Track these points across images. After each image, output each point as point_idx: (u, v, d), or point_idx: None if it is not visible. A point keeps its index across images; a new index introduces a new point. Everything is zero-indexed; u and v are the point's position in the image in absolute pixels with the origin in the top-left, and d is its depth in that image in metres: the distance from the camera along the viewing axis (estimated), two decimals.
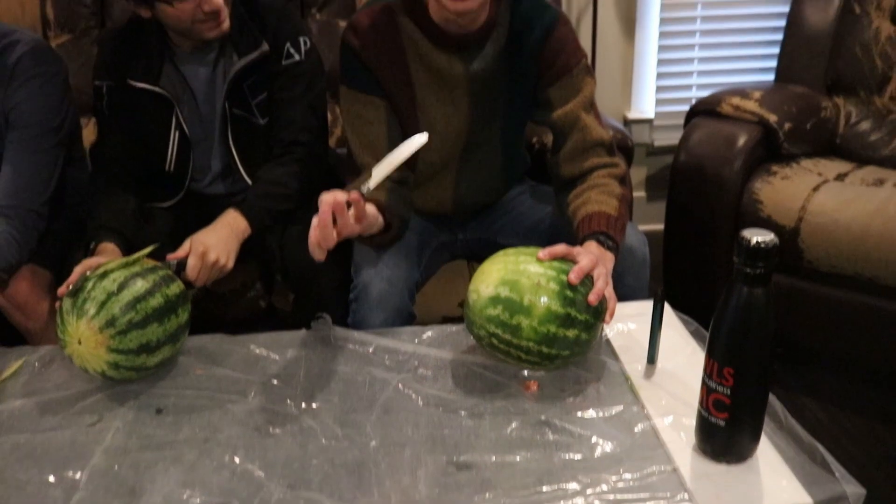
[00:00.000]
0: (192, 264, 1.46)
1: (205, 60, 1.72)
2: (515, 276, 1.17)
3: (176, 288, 1.29)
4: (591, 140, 1.54)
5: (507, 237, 1.74)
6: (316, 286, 1.57)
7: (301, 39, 1.73)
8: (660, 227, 2.35)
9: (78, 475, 1.07)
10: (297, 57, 1.72)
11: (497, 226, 1.77)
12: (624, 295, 1.45)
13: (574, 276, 1.18)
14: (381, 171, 1.26)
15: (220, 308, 1.82)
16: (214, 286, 1.56)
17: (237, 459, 1.09)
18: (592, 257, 1.22)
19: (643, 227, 1.62)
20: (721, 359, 0.98)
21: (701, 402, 1.04)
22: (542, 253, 1.21)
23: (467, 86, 1.57)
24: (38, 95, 1.62)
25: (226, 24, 1.65)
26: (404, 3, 1.53)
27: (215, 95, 1.75)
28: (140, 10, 1.62)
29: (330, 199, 1.16)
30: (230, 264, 1.53)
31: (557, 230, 1.61)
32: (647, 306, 1.31)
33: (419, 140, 1.30)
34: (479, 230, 1.80)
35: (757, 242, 0.92)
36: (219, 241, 1.52)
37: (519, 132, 1.72)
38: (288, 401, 1.21)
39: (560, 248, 1.22)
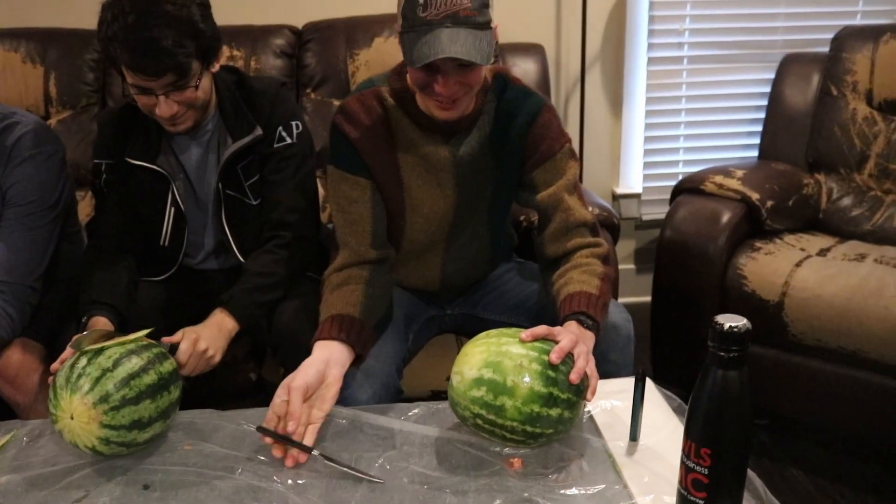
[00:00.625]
0: (183, 349, 1.48)
1: (199, 142, 1.76)
2: (498, 357, 1.20)
3: (169, 365, 1.31)
4: (574, 221, 1.57)
5: (493, 313, 1.77)
6: (304, 358, 1.57)
7: (293, 124, 1.77)
8: (649, 298, 2.37)
9: None
10: (288, 140, 1.76)
11: (484, 302, 1.80)
12: (609, 372, 1.48)
13: (555, 357, 1.20)
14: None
15: (210, 380, 1.80)
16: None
17: None
18: (573, 337, 1.25)
19: (632, 300, 1.65)
20: (698, 440, 1.00)
21: (680, 482, 1.05)
22: (525, 334, 1.23)
23: (453, 170, 1.61)
24: (36, 174, 1.66)
25: (186, 125, 1.67)
26: (393, 90, 1.58)
27: (208, 175, 1.78)
28: (125, 86, 1.65)
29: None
30: (217, 357, 1.56)
31: (544, 308, 1.64)
32: (630, 383, 1.32)
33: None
34: (467, 306, 1.82)
35: (730, 327, 0.95)
36: (210, 335, 1.55)
37: (505, 213, 1.76)
38: (274, 477, 1.22)
39: (541, 329, 1.25)
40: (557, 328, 1.27)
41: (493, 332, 1.26)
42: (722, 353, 0.96)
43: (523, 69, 2.48)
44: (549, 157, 1.59)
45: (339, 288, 1.52)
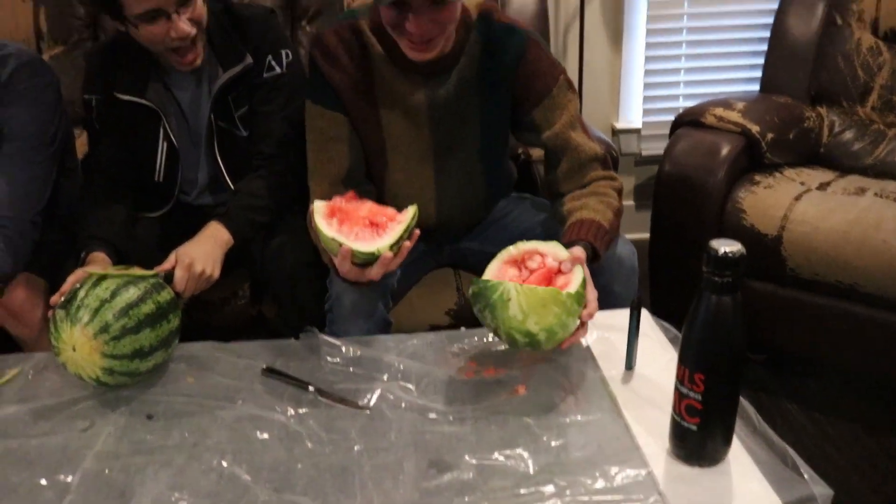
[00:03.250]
0: (178, 276, 1.48)
1: (190, 74, 1.75)
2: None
3: (167, 295, 1.33)
4: (586, 157, 1.57)
5: (496, 245, 1.73)
6: (296, 295, 1.60)
7: (283, 52, 1.75)
8: (647, 235, 2.38)
9: (69, 479, 1.11)
10: (278, 70, 1.74)
11: (484, 235, 1.80)
12: (612, 303, 1.50)
13: (568, 265, 1.29)
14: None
15: (210, 315, 1.85)
16: (203, 294, 1.60)
17: (225, 463, 1.13)
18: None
19: (631, 236, 1.65)
20: (691, 365, 1.02)
21: (674, 408, 1.08)
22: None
23: (428, 113, 1.60)
24: (32, 108, 1.65)
25: (198, 60, 1.68)
26: (373, 22, 1.56)
27: (201, 108, 1.78)
28: (118, 26, 1.64)
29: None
30: (216, 274, 1.56)
31: (550, 237, 1.63)
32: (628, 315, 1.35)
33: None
34: (466, 240, 1.83)
35: (724, 252, 0.97)
36: (203, 253, 1.55)
37: (499, 152, 1.75)
38: (275, 407, 1.25)
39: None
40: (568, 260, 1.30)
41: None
42: (716, 278, 0.97)
43: (520, 3, 2.44)
44: (545, 95, 1.57)
45: None
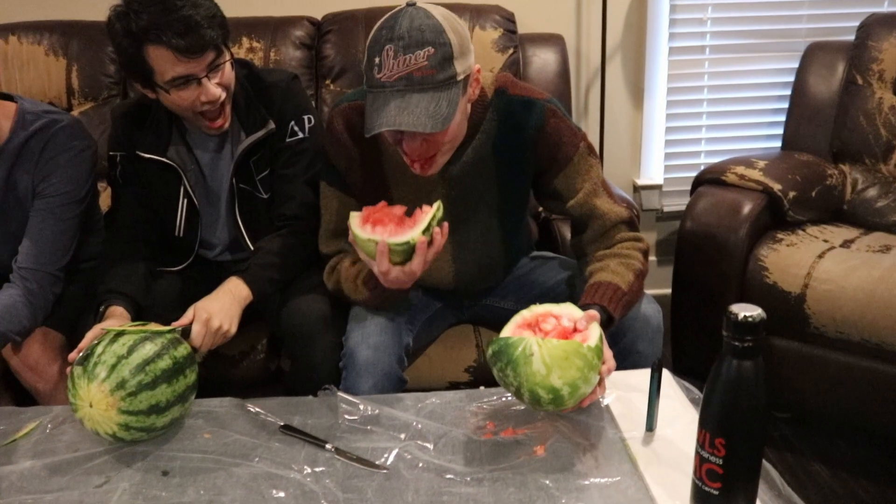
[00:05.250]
0: (196, 331, 1.49)
1: (213, 137, 1.78)
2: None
3: (184, 350, 1.34)
4: (612, 222, 1.57)
5: (518, 303, 1.75)
6: (310, 352, 1.60)
7: (305, 118, 1.78)
8: (668, 290, 2.37)
9: None
10: (300, 135, 1.77)
11: (506, 293, 1.80)
12: (636, 362, 1.50)
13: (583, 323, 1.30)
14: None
15: (227, 370, 1.85)
16: (221, 349, 1.60)
17: None
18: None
19: (652, 291, 1.65)
20: (712, 430, 1.00)
21: (695, 471, 1.05)
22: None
23: (443, 190, 1.60)
24: (69, 169, 1.70)
25: (226, 123, 1.71)
26: None
27: (221, 170, 1.80)
28: (146, 93, 1.68)
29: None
30: (233, 330, 1.56)
31: (575, 296, 1.60)
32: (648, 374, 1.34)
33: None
34: (487, 298, 1.82)
35: (744, 317, 0.96)
36: (221, 308, 1.55)
37: (518, 216, 1.74)
38: (292, 465, 1.24)
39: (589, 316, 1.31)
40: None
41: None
42: (736, 343, 0.96)
43: (543, 60, 2.47)
44: (567, 164, 1.57)
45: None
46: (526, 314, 1.32)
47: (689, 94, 2.85)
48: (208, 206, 1.84)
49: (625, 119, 2.89)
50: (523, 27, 2.53)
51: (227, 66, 1.66)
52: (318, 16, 2.51)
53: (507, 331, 1.30)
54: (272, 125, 1.74)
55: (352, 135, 1.57)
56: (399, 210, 1.45)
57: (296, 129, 1.77)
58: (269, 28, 2.41)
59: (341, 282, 1.60)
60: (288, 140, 1.76)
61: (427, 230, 1.39)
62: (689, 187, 2.40)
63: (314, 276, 1.71)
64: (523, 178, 1.62)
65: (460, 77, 1.37)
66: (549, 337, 1.27)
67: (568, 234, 1.97)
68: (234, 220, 1.81)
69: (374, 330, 1.54)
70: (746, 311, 0.97)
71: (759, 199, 2.20)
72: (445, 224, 1.41)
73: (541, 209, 2.10)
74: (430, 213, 1.40)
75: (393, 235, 1.40)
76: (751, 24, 2.80)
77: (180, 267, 1.86)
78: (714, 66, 2.82)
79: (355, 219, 1.43)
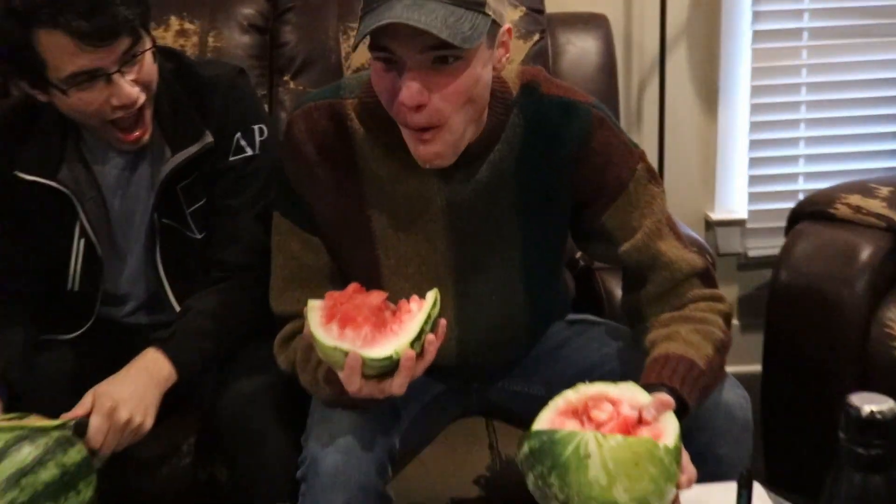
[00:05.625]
0: (96, 426, 1.46)
1: (121, 151, 1.77)
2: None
3: (76, 455, 1.33)
4: (682, 274, 1.57)
5: (547, 387, 1.72)
6: (256, 454, 1.59)
7: (256, 128, 1.78)
8: (756, 368, 2.35)
9: None
10: (248, 151, 1.77)
11: (531, 373, 1.78)
12: (716, 473, 1.47)
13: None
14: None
15: (140, 480, 1.82)
16: (131, 451, 1.58)
17: None
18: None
19: (733, 369, 1.63)
20: None
21: None
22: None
23: (446, 220, 1.59)
24: None
25: (146, 135, 1.71)
26: (363, 103, 1.55)
27: (135, 199, 1.80)
28: (36, 94, 1.67)
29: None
30: (148, 423, 1.55)
31: (620, 378, 1.57)
32: (733, 489, 1.31)
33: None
34: (504, 380, 1.81)
35: (871, 412, 0.93)
36: (132, 394, 1.53)
37: (550, 266, 1.73)
38: None
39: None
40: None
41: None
42: (860, 450, 0.94)
43: (580, 49, 2.48)
44: (619, 192, 1.57)
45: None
46: (571, 396, 1.31)
47: (781, 96, 2.86)
48: (115, 248, 1.83)
49: (693, 130, 2.89)
50: (553, 4, 2.54)
51: (148, 57, 1.66)
52: None
53: (546, 420, 1.28)
54: (210, 138, 1.74)
55: (318, 145, 1.57)
56: (377, 298, 1.41)
57: (243, 143, 1.77)
58: (208, 3, 2.42)
59: (296, 364, 1.58)
60: (232, 159, 1.77)
61: (418, 339, 1.35)
62: (783, 223, 2.40)
63: (263, 347, 1.69)
64: (558, 210, 1.62)
65: (489, 11, 1.39)
66: (606, 430, 1.25)
67: (617, 290, 1.95)
68: (153, 269, 1.80)
69: (344, 426, 1.53)
70: (873, 403, 0.94)
71: (882, 239, 2.20)
72: (442, 323, 1.39)
73: (579, 254, 2.07)
74: (422, 313, 1.37)
75: (369, 344, 1.36)
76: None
77: (75, 334, 1.83)
78: (816, 55, 2.83)
79: (315, 312, 1.38)
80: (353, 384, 1.37)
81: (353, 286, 1.43)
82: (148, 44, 1.66)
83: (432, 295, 1.39)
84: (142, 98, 1.65)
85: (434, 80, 1.39)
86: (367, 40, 1.38)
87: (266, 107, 2.37)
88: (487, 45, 1.42)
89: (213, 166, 1.76)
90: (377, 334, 1.37)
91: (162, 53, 1.78)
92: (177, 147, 1.74)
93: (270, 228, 1.69)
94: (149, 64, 1.66)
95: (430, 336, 1.37)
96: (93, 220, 1.77)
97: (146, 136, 1.72)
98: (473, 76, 1.41)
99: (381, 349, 1.34)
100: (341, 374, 1.37)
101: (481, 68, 1.43)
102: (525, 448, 1.24)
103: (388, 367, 1.36)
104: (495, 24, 1.41)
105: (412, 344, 1.34)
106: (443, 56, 1.36)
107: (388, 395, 1.39)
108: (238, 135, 1.76)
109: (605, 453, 1.18)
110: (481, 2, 1.37)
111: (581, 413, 1.29)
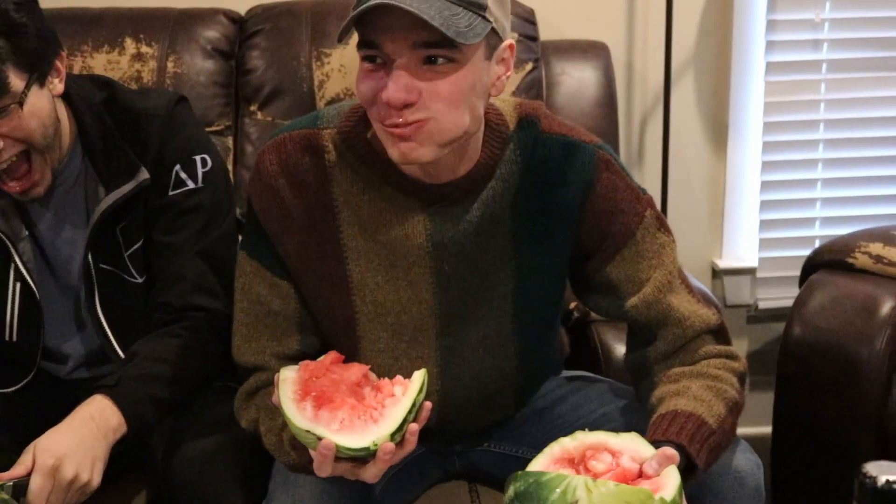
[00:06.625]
0: (37, 487, 1.45)
1: (53, 194, 1.77)
2: None
3: None
4: (694, 331, 1.58)
5: (537, 451, 1.72)
6: None
7: (197, 159, 1.79)
8: (766, 430, 2.36)
9: None
10: (190, 184, 1.78)
11: (520, 435, 1.78)
12: None
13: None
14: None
15: None
16: None
17: None
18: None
19: (740, 430, 1.64)
20: None
21: None
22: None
23: (431, 263, 1.59)
24: None
25: (38, 188, 1.71)
26: (341, 131, 1.56)
27: (72, 242, 1.80)
28: None
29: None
30: (95, 481, 1.53)
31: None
32: None
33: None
34: (491, 441, 1.81)
35: (888, 482, 0.93)
36: (77, 447, 1.52)
37: (545, 319, 1.74)
38: None
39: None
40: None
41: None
42: None
43: (577, 81, 2.50)
44: (626, 242, 1.58)
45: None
46: (568, 443, 1.33)
47: (797, 133, 2.88)
48: (55, 293, 1.83)
49: (700, 169, 2.91)
50: (548, 31, 2.57)
51: (21, 110, 1.63)
52: (241, 10, 2.53)
53: (539, 466, 1.30)
54: (145, 175, 1.75)
55: (291, 179, 1.57)
56: (357, 373, 1.42)
57: (183, 176, 1.78)
58: (168, 25, 2.44)
59: (259, 424, 1.58)
60: (172, 193, 1.77)
61: (399, 430, 1.36)
62: (797, 273, 2.41)
63: (221, 401, 1.71)
64: (557, 258, 1.63)
65: (490, 17, 1.40)
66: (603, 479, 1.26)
67: (615, 345, 1.96)
68: (94, 319, 1.80)
69: (309, 493, 1.53)
70: (891, 473, 0.95)
71: None
72: (427, 406, 1.40)
73: (573, 305, 2.08)
74: (406, 399, 1.37)
75: (346, 429, 1.36)
76: (890, 29, 2.81)
77: (13, 388, 1.84)
78: (836, 90, 2.85)
79: (288, 385, 1.38)
80: (324, 471, 1.38)
81: (331, 356, 1.44)
82: (17, 95, 1.62)
83: (419, 378, 1.39)
84: (6, 148, 1.63)
85: (424, 79, 1.39)
86: (354, 38, 1.40)
87: (231, 139, 2.39)
88: (485, 55, 1.44)
89: (152, 203, 1.77)
90: (355, 419, 1.36)
91: (93, 82, 1.79)
92: (111, 185, 1.74)
93: (218, 268, 1.71)
94: (17, 113, 1.63)
95: (413, 425, 1.38)
96: (27, 263, 1.78)
97: (38, 189, 1.71)
98: (467, 80, 1.42)
99: (359, 438, 1.34)
100: (313, 454, 1.37)
101: (476, 77, 1.44)
102: (510, 491, 1.25)
103: (364, 457, 1.37)
104: (496, 35, 1.43)
105: (392, 435, 1.34)
106: (434, 56, 1.37)
107: (359, 479, 1.40)
108: (177, 167, 1.77)
109: (595, 500, 1.19)
110: (482, 4, 1.39)
111: (578, 462, 1.31)
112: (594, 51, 2.56)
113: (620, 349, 1.91)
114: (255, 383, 1.62)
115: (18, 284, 1.78)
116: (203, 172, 1.79)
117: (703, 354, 1.58)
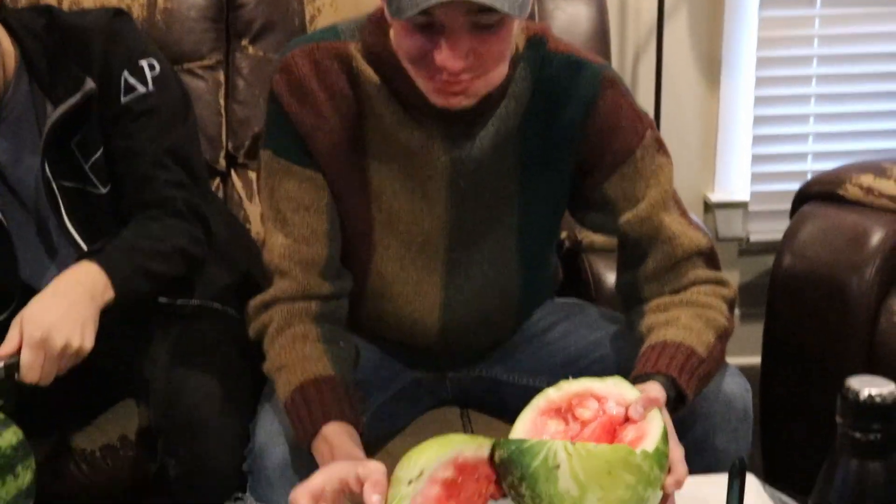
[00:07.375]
0: (28, 361, 1.45)
1: (5, 120, 1.76)
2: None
3: (11, 436, 1.32)
4: (684, 251, 1.58)
5: (531, 376, 1.76)
6: (200, 447, 1.59)
7: (144, 63, 1.77)
8: (756, 360, 2.37)
9: None
10: (141, 89, 1.76)
11: (513, 359, 1.79)
12: (713, 464, 1.50)
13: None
14: None
15: (86, 473, 1.82)
16: (69, 442, 1.57)
17: None
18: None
19: (733, 360, 1.65)
20: None
21: None
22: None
23: (448, 181, 1.60)
24: None
25: None
26: (367, 49, 1.56)
27: (32, 169, 1.78)
28: None
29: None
30: (87, 345, 1.52)
31: (623, 366, 1.56)
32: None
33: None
34: (484, 365, 1.81)
35: (870, 396, 0.94)
36: (65, 314, 1.50)
37: (545, 238, 1.76)
38: None
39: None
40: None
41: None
42: (858, 435, 0.95)
43: (570, 16, 2.48)
44: (624, 160, 1.58)
45: (289, 346, 1.54)
46: (553, 394, 1.31)
47: (790, 68, 2.88)
48: (23, 219, 1.82)
49: (692, 104, 2.91)
50: None
51: None
52: None
53: (525, 420, 1.29)
54: (91, 84, 1.73)
55: (323, 82, 1.58)
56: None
57: (132, 81, 1.76)
58: None
59: (265, 341, 1.58)
60: (124, 99, 1.76)
61: None
62: (787, 206, 2.42)
63: (214, 329, 1.72)
64: (559, 174, 1.64)
65: None
66: (589, 429, 1.26)
67: (605, 273, 1.96)
68: (67, 238, 1.78)
69: None
70: (873, 386, 0.95)
71: (894, 223, 2.21)
72: None
73: (564, 234, 2.08)
74: None
75: None
76: None
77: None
78: (829, 25, 2.85)
79: None
80: None
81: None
82: None
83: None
84: None
85: (476, 41, 1.39)
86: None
87: (222, 74, 2.39)
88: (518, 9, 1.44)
89: (105, 112, 1.75)
90: None
91: (33, 10, 1.78)
92: (58, 100, 1.72)
93: (187, 164, 1.72)
94: None
95: None
96: None
97: None
98: (512, 34, 1.44)
99: None
100: None
101: (516, 27, 1.46)
102: (496, 457, 1.24)
103: None
104: None
105: None
106: (485, 21, 1.37)
107: None
108: (125, 73, 1.75)
109: (576, 463, 1.18)
110: None
111: (565, 412, 1.30)
112: None
113: (611, 278, 1.92)
114: (274, 294, 1.60)
115: None
116: (152, 76, 1.77)
117: (692, 280, 1.57)
